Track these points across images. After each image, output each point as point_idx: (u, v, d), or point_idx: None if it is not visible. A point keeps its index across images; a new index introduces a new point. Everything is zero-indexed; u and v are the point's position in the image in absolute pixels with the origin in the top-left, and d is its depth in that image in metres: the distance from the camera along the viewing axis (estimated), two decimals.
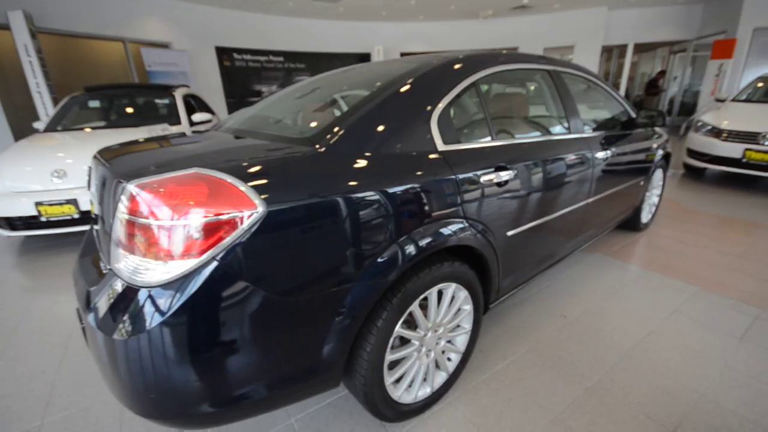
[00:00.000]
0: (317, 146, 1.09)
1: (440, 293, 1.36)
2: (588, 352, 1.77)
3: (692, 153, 4.75)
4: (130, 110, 4.51)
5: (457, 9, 9.47)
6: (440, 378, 1.49)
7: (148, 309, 0.85)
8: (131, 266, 0.88)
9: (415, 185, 1.16)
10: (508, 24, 10.45)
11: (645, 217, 3.20)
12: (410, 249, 1.14)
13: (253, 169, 0.94)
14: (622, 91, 10.51)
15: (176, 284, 0.85)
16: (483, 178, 1.37)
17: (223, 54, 9.09)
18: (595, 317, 2.04)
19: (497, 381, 1.60)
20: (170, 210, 0.84)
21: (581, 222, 2.11)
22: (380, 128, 1.19)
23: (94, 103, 4.54)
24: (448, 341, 1.50)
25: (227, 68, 9.23)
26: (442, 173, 1.25)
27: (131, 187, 0.88)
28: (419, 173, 1.19)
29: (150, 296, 0.86)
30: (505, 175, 1.45)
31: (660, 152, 2.93)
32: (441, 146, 1.29)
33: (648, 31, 9.72)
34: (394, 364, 1.34)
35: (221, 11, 8.51)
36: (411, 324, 1.33)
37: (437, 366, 1.49)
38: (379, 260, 1.08)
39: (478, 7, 9.41)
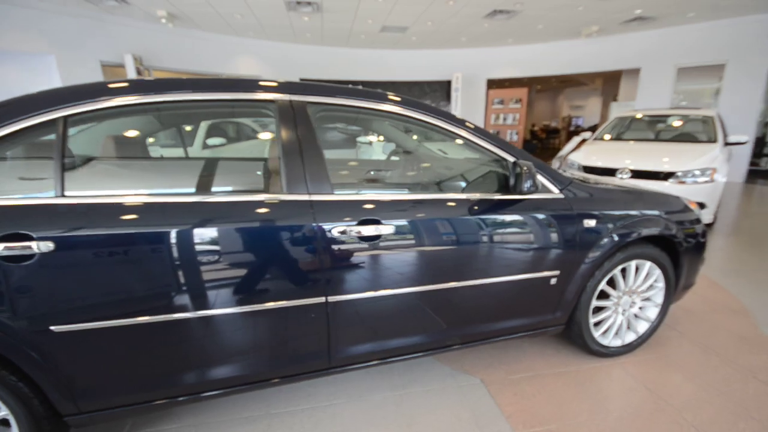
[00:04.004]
0: None
1: None
2: None
3: None
4: None
5: (546, 28, 8.18)
6: None
7: None
8: None
9: None
10: (622, 41, 8.50)
11: (610, 338, 1.98)
12: None
13: None
14: None
15: None
16: None
17: None
18: None
19: None
20: None
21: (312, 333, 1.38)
22: None
23: None
24: None
25: None
26: None
27: None
28: None
29: None
30: None
31: (635, 233, 1.77)
32: None
33: None
34: None
35: (305, 47, 9.38)
36: None
37: None
38: None
39: (578, 23, 7.92)
